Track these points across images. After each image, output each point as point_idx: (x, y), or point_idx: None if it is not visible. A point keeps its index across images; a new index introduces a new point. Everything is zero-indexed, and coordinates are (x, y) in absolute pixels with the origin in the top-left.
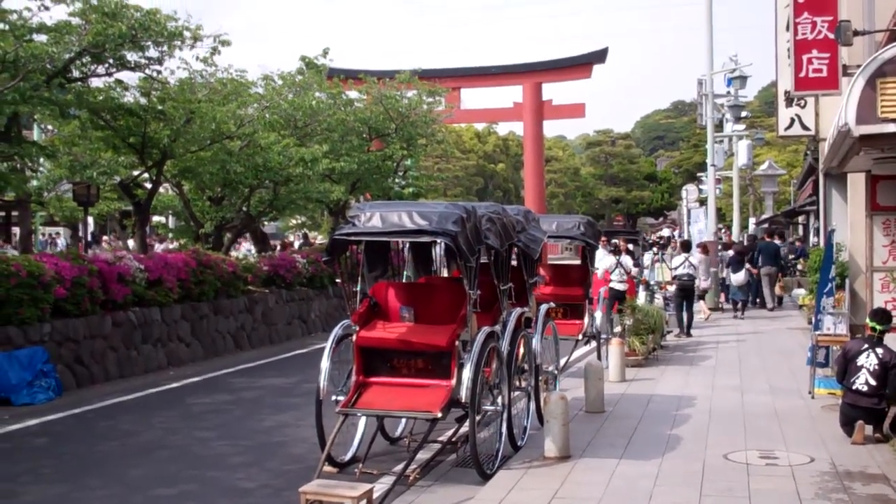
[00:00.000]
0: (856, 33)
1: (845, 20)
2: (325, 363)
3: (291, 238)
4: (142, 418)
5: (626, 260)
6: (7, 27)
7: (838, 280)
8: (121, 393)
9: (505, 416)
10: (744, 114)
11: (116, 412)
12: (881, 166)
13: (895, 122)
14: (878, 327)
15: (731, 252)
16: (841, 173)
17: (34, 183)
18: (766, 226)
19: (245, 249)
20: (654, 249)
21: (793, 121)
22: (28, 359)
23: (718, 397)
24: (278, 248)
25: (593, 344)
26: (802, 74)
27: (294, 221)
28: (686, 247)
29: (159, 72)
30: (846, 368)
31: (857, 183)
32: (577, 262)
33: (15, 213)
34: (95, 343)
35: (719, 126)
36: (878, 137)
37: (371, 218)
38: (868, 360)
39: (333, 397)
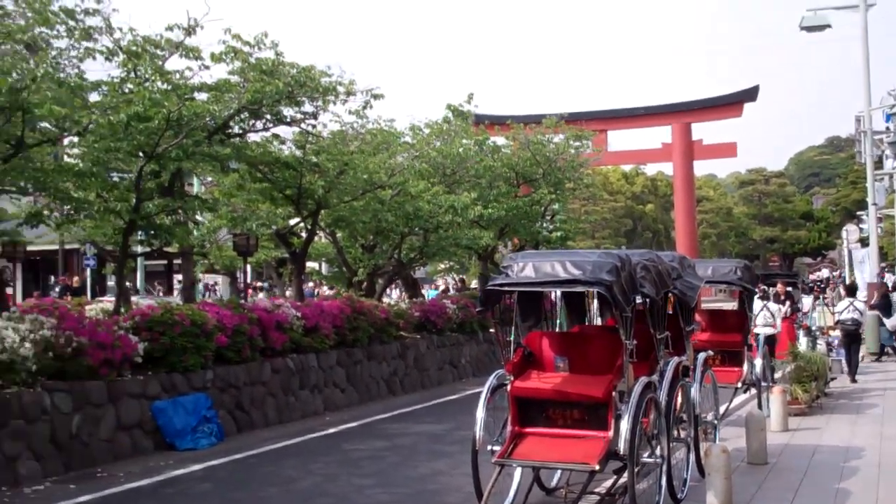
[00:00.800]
0: None
1: None
2: (480, 413)
3: (440, 283)
4: (301, 464)
5: (772, 305)
6: (170, 87)
7: None
8: (280, 438)
9: (664, 468)
10: None
11: (277, 457)
12: None
13: None
14: None
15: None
16: None
17: (196, 234)
18: None
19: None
20: (815, 293)
21: None
22: (192, 405)
23: (887, 449)
24: (440, 289)
25: (753, 392)
26: None
27: (442, 266)
28: (851, 290)
29: (314, 125)
30: None
31: None
32: (735, 306)
33: (177, 262)
34: (255, 389)
35: (879, 163)
36: None
37: (524, 268)
38: None
39: (489, 447)
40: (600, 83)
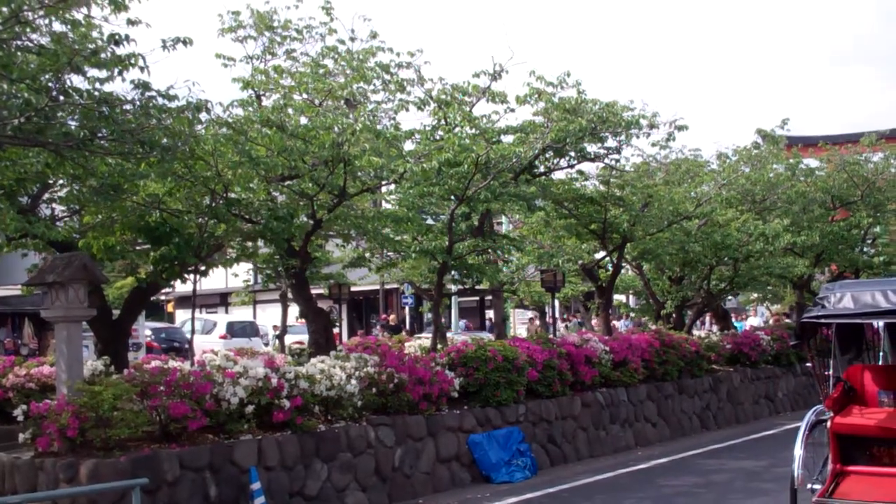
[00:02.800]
0: None
1: None
2: (798, 450)
3: (752, 315)
4: (614, 499)
5: None
6: (478, 132)
7: None
8: (592, 473)
9: None
10: None
11: (590, 492)
12: None
13: None
14: None
15: None
16: None
17: (505, 271)
18: None
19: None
20: None
21: None
22: (505, 439)
23: None
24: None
25: None
26: None
27: (755, 295)
28: None
29: (617, 160)
30: None
31: None
32: None
33: (489, 299)
34: (566, 423)
35: None
36: None
37: (842, 299)
38: None
39: (809, 486)
40: None
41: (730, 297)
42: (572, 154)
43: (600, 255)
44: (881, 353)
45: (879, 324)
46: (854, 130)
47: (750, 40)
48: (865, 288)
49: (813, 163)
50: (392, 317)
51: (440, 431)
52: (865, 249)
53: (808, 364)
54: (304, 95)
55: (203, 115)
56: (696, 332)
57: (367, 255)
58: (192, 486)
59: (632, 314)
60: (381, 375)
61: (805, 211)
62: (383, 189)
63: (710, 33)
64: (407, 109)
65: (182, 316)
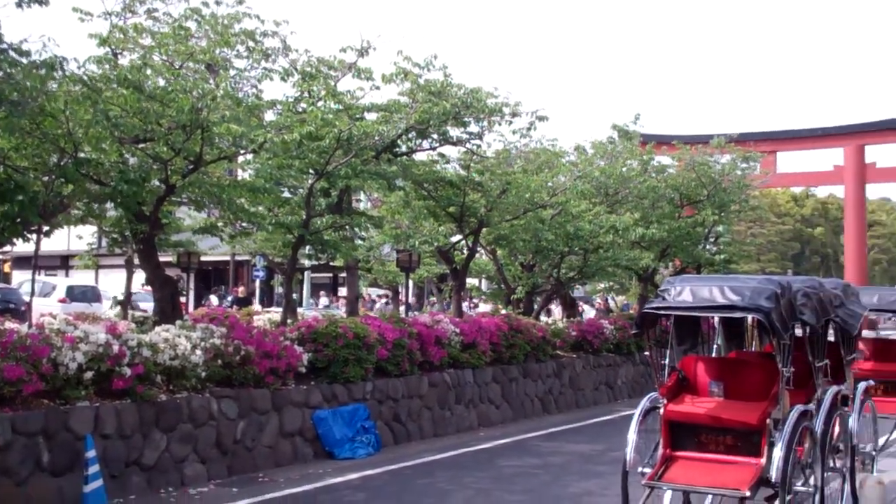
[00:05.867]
0: None
1: None
2: (632, 435)
3: (599, 301)
4: (455, 477)
5: None
6: (342, 107)
7: None
8: (434, 451)
9: (817, 497)
10: None
11: (431, 470)
12: None
13: None
14: None
15: None
16: None
17: (361, 249)
18: None
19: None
20: None
21: None
22: (351, 415)
23: None
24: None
25: None
26: None
27: (602, 285)
28: None
29: (479, 145)
30: None
31: None
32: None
33: (342, 276)
34: (412, 402)
35: None
36: None
37: (681, 292)
38: None
39: (640, 469)
40: (770, 103)
41: (577, 286)
42: (435, 136)
43: (456, 238)
44: (715, 346)
45: (715, 318)
46: (708, 132)
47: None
48: (704, 283)
49: (665, 160)
50: (242, 289)
51: (285, 406)
52: (708, 247)
53: (647, 353)
54: (164, 57)
55: (57, 73)
56: (543, 318)
57: (220, 224)
58: (24, 452)
59: (483, 297)
60: (227, 347)
61: (654, 206)
62: (241, 158)
63: (573, 28)
64: (270, 79)
65: (19, 277)
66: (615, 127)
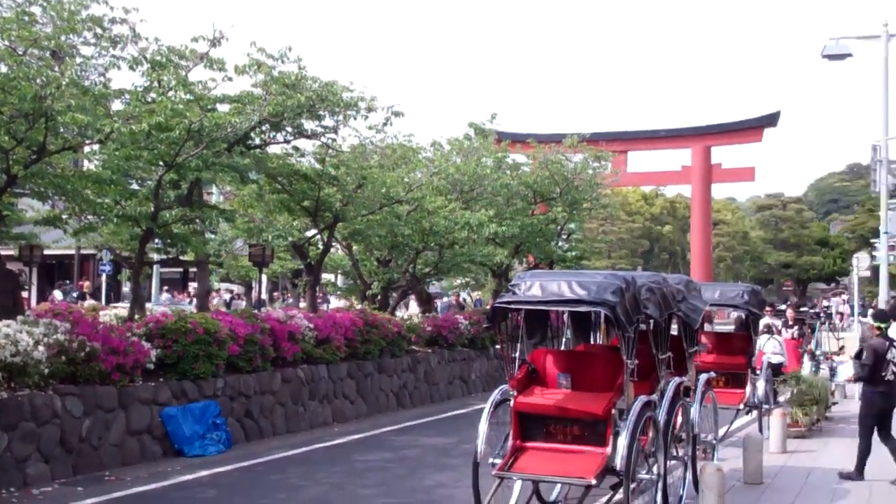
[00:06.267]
0: None
1: None
2: (482, 427)
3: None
4: (307, 473)
5: (777, 337)
6: (193, 98)
7: None
8: (288, 447)
9: (660, 485)
10: None
11: (283, 466)
12: None
13: None
14: (882, 325)
15: None
16: None
17: (212, 243)
18: None
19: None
20: (819, 319)
21: None
22: (201, 412)
23: (881, 471)
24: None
25: (755, 414)
26: None
27: (458, 281)
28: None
29: (334, 139)
30: (877, 365)
31: None
32: (741, 330)
33: (193, 271)
34: (265, 398)
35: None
36: None
37: (531, 287)
38: (892, 354)
39: (490, 460)
40: (623, 104)
41: (433, 282)
42: (289, 129)
43: (311, 232)
44: (564, 339)
45: (565, 312)
46: (562, 131)
47: (480, 38)
48: (553, 278)
49: (520, 158)
50: (87, 284)
51: (133, 403)
52: (561, 244)
53: (499, 346)
54: (7, 43)
55: None
56: (399, 314)
57: (65, 216)
58: None
59: (338, 292)
60: (71, 343)
61: (508, 203)
62: (87, 148)
63: (432, 27)
64: (119, 67)
65: None
66: (472, 125)
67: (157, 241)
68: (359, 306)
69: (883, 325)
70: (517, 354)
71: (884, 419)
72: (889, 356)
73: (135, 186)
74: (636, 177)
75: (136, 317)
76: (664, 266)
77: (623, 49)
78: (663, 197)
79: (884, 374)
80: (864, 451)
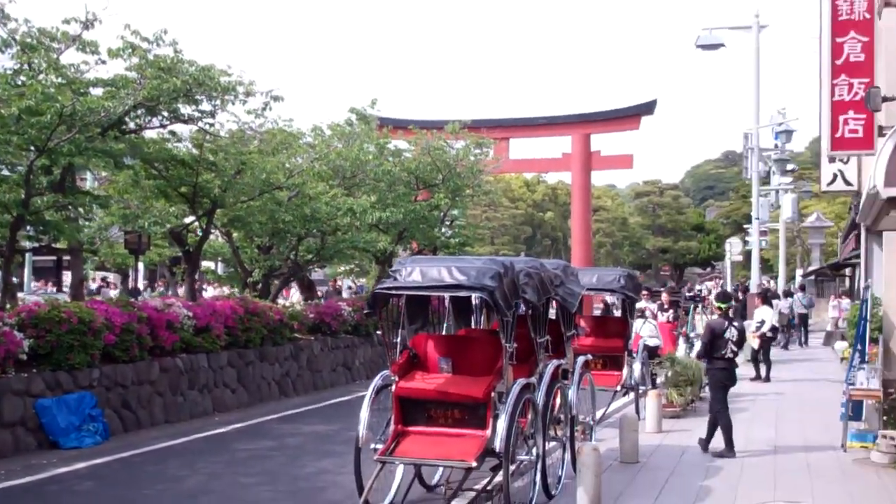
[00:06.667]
0: (885, 99)
1: (875, 87)
2: (364, 412)
3: (345, 283)
4: (187, 463)
5: (652, 321)
6: (65, 81)
7: (873, 335)
8: (167, 438)
9: (539, 466)
10: (790, 167)
11: (162, 457)
12: None
13: None
14: (722, 305)
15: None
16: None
17: (86, 231)
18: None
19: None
20: (694, 303)
21: (835, 176)
22: (77, 403)
23: (752, 449)
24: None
25: (632, 395)
26: (839, 135)
27: (343, 268)
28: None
29: (212, 124)
30: (714, 344)
31: (893, 240)
32: (618, 314)
33: (67, 259)
34: (143, 389)
35: (767, 178)
36: None
37: (411, 273)
38: (730, 333)
39: (372, 445)
40: (505, 92)
41: (316, 269)
42: (165, 114)
43: (189, 219)
44: (446, 325)
45: (447, 297)
46: (444, 118)
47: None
48: (433, 264)
49: (402, 144)
50: None
51: (5, 395)
52: (444, 230)
53: (379, 332)
54: None
55: None
56: (281, 301)
57: None
58: None
59: (219, 280)
60: None
61: (391, 190)
62: None
63: (312, 12)
64: None
65: None
66: (353, 110)
67: (28, 228)
68: (226, 291)
69: (723, 306)
70: (398, 340)
71: (726, 391)
72: (728, 335)
73: (5, 172)
74: (518, 164)
75: (8, 306)
76: (546, 252)
77: (504, 37)
78: (545, 184)
79: (723, 352)
80: (727, 426)
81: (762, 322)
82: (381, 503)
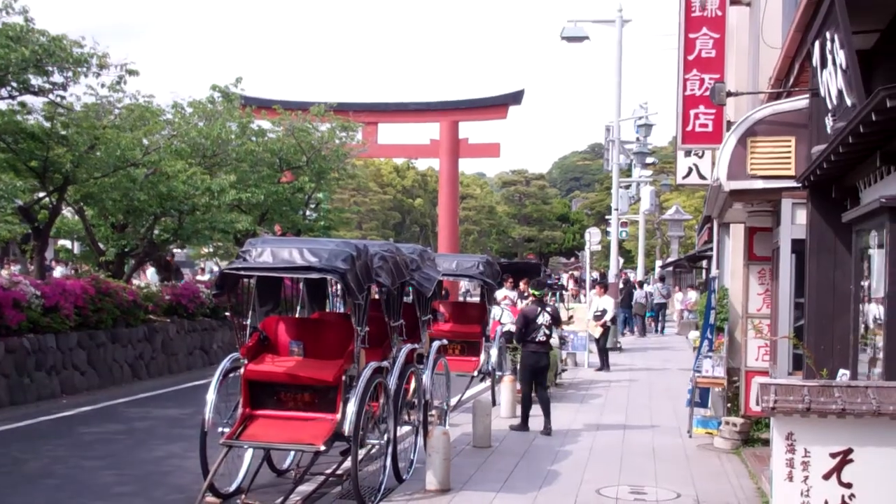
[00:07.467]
0: (729, 94)
1: (719, 82)
2: (211, 395)
3: (209, 266)
4: (31, 446)
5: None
6: None
7: (720, 324)
8: (11, 420)
9: (391, 450)
10: (650, 160)
11: (6, 439)
12: (754, 219)
13: (763, 179)
14: (536, 293)
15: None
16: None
17: None
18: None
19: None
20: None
21: (690, 170)
22: None
23: (601, 434)
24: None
25: (489, 381)
26: (690, 129)
27: (206, 250)
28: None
29: (63, 97)
30: (527, 328)
31: (738, 233)
32: (476, 300)
33: None
34: None
35: (628, 171)
36: (748, 192)
37: (262, 253)
38: (543, 318)
39: (219, 429)
40: (374, 77)
41: (178, 249)
42: (14, 85)
43: (40, 195)
44: (299, 307)
45: (301, 279)
46: (310, 99)
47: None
48: (284, 245)
49: (266, 125)
50: None
51: None
52: (309, 213)
53: (228, 314)
54: None
55: None
56: (136, 282)
57: None
58: None
59: (73, 260)
60: None
61: (253, 170)
62: None
63: None
64: None
65: None
66: (215, 87)
67: None
68: (76, 271)
69: (537, 293)
70: (248, 322)
71: (536, 374)
72: (540, 320)
73: None
74: (387, 149)
75: None
76: (415, 238)
77: (375, 22)
78: (415, 170)
79: (535, 335)
80: (526, 404)
81: (604, 311)
82: (228, 488)
